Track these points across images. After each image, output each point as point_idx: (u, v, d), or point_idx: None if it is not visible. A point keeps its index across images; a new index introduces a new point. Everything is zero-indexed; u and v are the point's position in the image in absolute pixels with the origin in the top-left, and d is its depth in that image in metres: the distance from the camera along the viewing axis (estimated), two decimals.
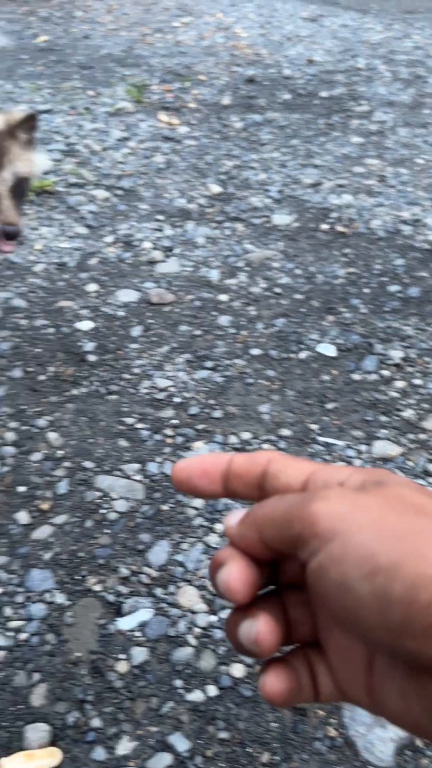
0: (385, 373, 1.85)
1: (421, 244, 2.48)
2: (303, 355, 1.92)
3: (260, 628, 0.33)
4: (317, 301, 2.17)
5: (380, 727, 1.06)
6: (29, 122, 1.63)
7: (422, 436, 1.64)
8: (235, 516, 0.35)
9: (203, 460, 0.37)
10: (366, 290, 2.22)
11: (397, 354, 1.91)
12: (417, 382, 1.82)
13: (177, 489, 0.37)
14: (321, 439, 1.64)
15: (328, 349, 1.94)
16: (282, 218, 2.64)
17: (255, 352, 1.92)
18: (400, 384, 1.82)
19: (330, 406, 1.74)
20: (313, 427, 1.67)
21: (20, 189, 1.62)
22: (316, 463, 0.35)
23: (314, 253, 2.43)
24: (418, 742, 1.05)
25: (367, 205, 2.75)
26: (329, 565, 0.29)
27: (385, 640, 0.28)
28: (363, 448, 1.61)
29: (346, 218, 2.65)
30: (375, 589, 0.28)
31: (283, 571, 0.36)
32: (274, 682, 0.34)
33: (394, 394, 1.78)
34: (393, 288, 2.22)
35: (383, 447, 1.60)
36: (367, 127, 3.57)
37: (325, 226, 2.60)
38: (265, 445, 1.61)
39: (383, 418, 1.70)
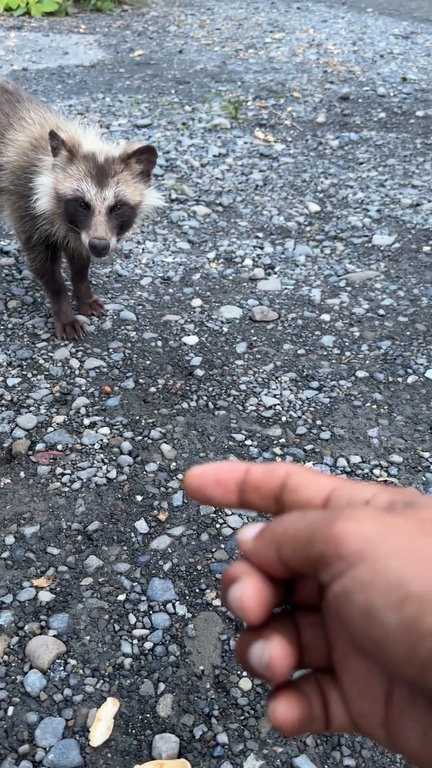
0: None
1: None
2: (411, 379, 1.91)
3: (274, 651, 0.30)
4: (423, 324, 2.15)
5: None
6: (144, 154, 1.66)
7: None
8: (252, 530, 0.33)
9: (219, 468, 0.35)
10: None
11: None
12: None
13: (189, 496, 0.35)
14: None
15: None
16: (383, 238, 2.63)
17: (361, 374, 1.92)
18: None
19: None
20: (426, 455, 1.65)
21: (122, 213, 1.65)
22: (338, 478, 0.33)
23: (417, 275, 2.41)
24: None
25: None
26: (354, 591, 0.27)
27: (411, 674, 0.26)
28: None
29: None
30: (403, 619, 0.26)
31: (297, 590, 0.34)
32: (285, 710, 0.31)
33: None
34: None
35: None
36: None
37: (427, 248, 2.57)
38: (376, 471, 1.60)
39: None
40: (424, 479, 1.58)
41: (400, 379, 1.91)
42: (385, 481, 1.58)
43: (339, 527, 0.28)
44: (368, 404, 1.82)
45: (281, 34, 5.88)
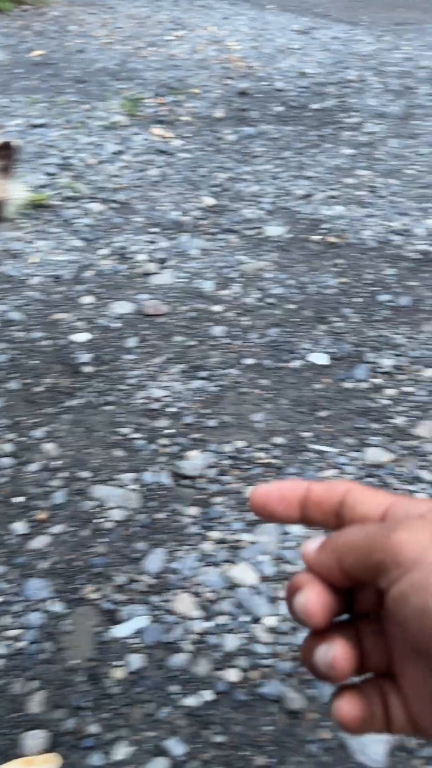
0: (376, 381, 1.88)
1: (411, 253, 2.52)
2: (296, 364, 1.95)
3: (337, 652, 0.33)
4: (309, 310, 2.20)
5: None
6: (2, 150, 1.66)
7: (413, 443, 1.67)
8: (314, 542, 0.35)
9: (282, 486, 0.37)
10: (357, 300, 2.25)
11: (387, 362, 1.94)
12: (407, 389, 1.85)
13: (254, 513, 0.38)
14: (313, 446, 1.66)
15: (321, 358, 1.97)
16: (274, 230, 2.68)
17: (248, 361, 1.95)
18: (390, 392, 1.84)
19: (322, 414, 1.77)
20: (306, 435, 1.70)
21: None
22: (394, 495, 0.36)
23: (306, 264, 2.47)
24: (411, 743, 1.07)
25: (358, 216, 2.79)
26: (411, 593, 0.30)
27: None
28: (355, 455, 1.64)
29: (338, 229, 2.69)
30: None
31: (358, 600, 0.37)
32: (348, 707, 0.34)
33: (385, 402, 1.81)
34: (384, 297, 2.25)
35: (375, 454, 1.63)
36: (357, 139, 3.62)
37: (316, 237, 2.64)
38: (259, 454, 1.63)
39: (375, 426, 1.73)
40: (304, 458, 1.62)
41: (286, 364, 1.95)
42: (268, 462, 1.61)
43: (396, 537, 0.31)
44: (255, 390, 1.85)
45: (183, 32, 5.89)
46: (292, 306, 2.22)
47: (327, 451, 1.65)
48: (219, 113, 3.95)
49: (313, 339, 2.06)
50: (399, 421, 1.74)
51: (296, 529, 1.43)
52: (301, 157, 3.38)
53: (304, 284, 2.34)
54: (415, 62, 5.04)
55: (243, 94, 4.30)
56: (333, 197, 2.96)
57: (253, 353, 1.99)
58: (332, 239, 2.61)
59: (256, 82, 4.54)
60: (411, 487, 1.54)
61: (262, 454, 1.63)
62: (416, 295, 2.27)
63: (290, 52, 5.32)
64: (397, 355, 1.98)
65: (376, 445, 1.66)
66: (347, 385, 1.87)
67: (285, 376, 1.91)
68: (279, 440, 1.68)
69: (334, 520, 0.36)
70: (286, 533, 1.42)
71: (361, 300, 2.25)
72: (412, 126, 3.81)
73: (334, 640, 0.34)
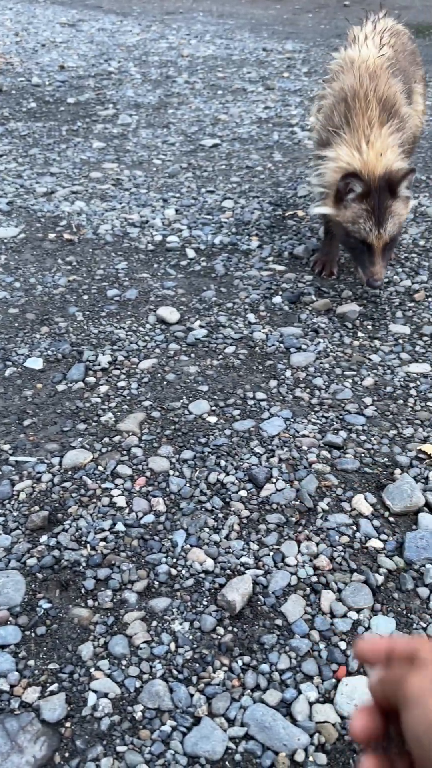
0: (91, 379, 1.84)
1: (146, 245, 2.51)
2: (8, 372, 1.86)
3: (364, 763, 0.46)
4: (33, 313, 2.11)
5: (17, 753, 1.02)
6: None
7: (116, 439, 1.64)
8: (375, 675, 0.48)
9: (374, 642, 0.49)
10: (85, 297, 2.20)
11: (105, 359, 1.91)
12: (121, 384, 1.82)
13: (356, 659, 0.52)
14: (12, 459, 1.58)
15: (36, 363, 1.90)
16: (6, 231, 2.56)
17: None
18: (104, 388, 1.81)
19: (28, 422, 1.69)
20: (5, 447, 1.61)
21: None
22: None
23: (38, 264, 2.38)
24: (57, 760, 1.03)
25: (99, 210, 2.75)
26: (412, 724, 0.42)
27: None
28: (56, 461, 1.58)
29: (75, 225, 2.62)
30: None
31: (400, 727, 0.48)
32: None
33: (97, 400, 1.77)
34: (112, 292, 2.22)
35: (74, 456, 1.58)
36: (110, 131, 3.58)
37: (52, 236, 2.56)
38: None
39: (81, 426, 1.68)
40: (0, 473, 1.54)
41: None
42: None
43: (410, 679, 0.44)
44: None
45: None
46: (14, 310, 2.12)
47: (26, 461, 1.58)
48: None
49: (32, 343, 1.98)
50: (106, 417, 1.71)
51: None
52: (48, 154, 3.28)
53: (31, 286, 2.25)
54: (178, 51, 5.10)
55: None
56: (76, 192, 2.89)
57: None
58: (68, 236, 2.54)
59: (12, 78, 4.36)
60: (108, 485, 1.51)
61: None
62: (145, 287, 2.26)
63: (54, 45, 5.17)
64: (116, 350, 1.95)
65: (78, 447, 1.61)
66: (61, 387, 1.81)
67: None
68: None
69: (409, 665, 0.46)
70: None
71: (88, 297, 2.20)
72: (166, 115, 3.83)
73: (368, 757, 0.46)
